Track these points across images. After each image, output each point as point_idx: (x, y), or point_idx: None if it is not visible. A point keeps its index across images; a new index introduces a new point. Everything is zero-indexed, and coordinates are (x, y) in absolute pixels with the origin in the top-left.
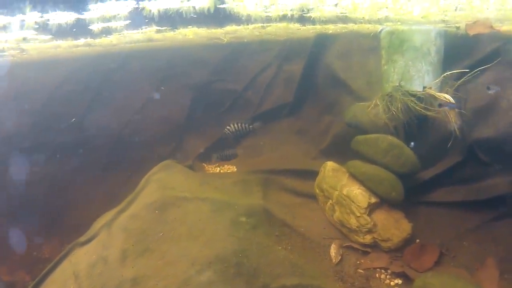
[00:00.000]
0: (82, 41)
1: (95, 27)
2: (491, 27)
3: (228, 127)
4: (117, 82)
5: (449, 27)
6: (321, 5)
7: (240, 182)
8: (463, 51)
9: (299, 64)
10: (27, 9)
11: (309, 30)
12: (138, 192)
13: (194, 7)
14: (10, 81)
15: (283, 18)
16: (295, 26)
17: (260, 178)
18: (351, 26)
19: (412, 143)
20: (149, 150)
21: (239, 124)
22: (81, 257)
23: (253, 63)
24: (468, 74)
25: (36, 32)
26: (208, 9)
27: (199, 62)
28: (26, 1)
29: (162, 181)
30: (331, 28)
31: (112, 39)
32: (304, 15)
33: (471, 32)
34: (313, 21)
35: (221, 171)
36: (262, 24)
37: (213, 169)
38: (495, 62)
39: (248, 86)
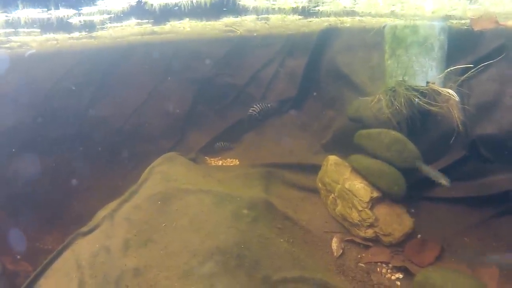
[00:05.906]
0: (76, 34)
1: (75, 20)
2: (497, 22)
3: (252, 108)
4: (120, 75)
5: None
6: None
7: (243, 175)
8: (468, 47)
9: (303, 59)
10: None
11: (323, 22)
12: (141, 183)
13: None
14: (11, 73)
15: (295, 10)
16: (296, 18)
17: (263, 172)
18: (367, 20)
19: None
20: (152, 142)
21: (263, 105)
22: (83, 247)
23: (256, 58)
24: (472, 70)
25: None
26: (209, 2)
27: (202, 56)
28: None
29: (165, 173)
30: (347, 21)
31: (111, 32)
32: (314, 8)
33: (476, 28)
34: (321, 14)
35: (224, 164)
36: (267, 15)
37: (216, 162)
38: (499, 58)
39: (251, 80)
